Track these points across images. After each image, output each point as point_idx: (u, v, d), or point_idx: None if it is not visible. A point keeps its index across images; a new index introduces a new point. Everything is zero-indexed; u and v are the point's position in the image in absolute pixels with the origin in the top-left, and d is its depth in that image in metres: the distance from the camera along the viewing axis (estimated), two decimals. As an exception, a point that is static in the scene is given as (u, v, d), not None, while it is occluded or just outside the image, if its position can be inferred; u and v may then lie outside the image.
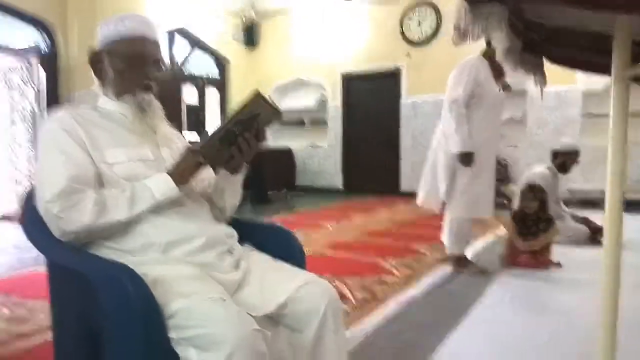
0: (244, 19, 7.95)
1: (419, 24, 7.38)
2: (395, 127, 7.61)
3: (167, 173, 1.32)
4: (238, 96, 8.42)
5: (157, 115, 1.45)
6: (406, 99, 7.53)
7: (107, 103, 1.42)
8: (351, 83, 7.99)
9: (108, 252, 1.25)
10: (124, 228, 1.25)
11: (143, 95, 1.40)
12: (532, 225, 3.44)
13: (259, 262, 1.41)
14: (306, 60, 8.31)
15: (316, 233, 4.73)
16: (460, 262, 3.35)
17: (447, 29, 7.14)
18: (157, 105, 1.44)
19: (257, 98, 1.31)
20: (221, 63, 8.47)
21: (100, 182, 1.28)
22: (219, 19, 8.05)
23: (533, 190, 3.53)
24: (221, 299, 1.14)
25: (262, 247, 1.51)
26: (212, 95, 8.38)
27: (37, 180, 1.26)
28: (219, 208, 1.51)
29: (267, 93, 8.73)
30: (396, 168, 7.65)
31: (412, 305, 2.70)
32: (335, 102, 8.14)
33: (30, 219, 1.23)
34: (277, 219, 5.57)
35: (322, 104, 8.29)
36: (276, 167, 7.29)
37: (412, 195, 7.22)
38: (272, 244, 1.55)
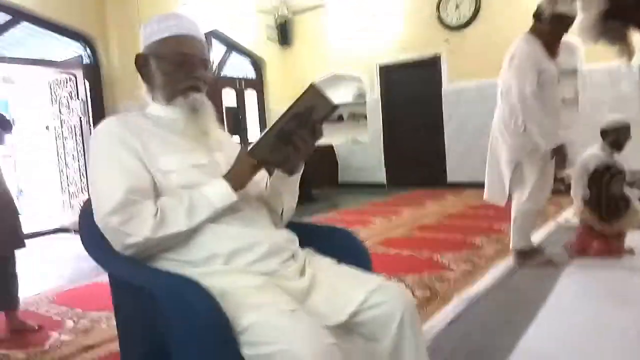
0: (277, 18, 7.89)
1: (457, 7, 7.11)
2: (438, 116, 7.37)
3: (223, 178, 1.25)
4: (276, 96, 8.38)
5: (209, 117, 1.38)
6: (448, 86, 7.28)
7: (157, 109, 1.36)
8: (389, 74, 7.80)
9: (170, 264, 1.19)
10: (184, 239, 1.19)
11: (194, 96, 1.33)
12: (612, 206, 3.19)
13: (325, 267, 1.32)
14: (342, 54, 8.17)
15: (364, 230, 4.62)
16: (526, 255, 3.15)
17: (487, 10, 6.85)
18: (209, 106, 1.37)
19: (313, 90, 1.21)
20: (257, 64, 8.46)
21: (156, 191, 1.22)
22: (252, 19, 8.03)
23: (609, 171, 3.31)
24: (292, 311, 1.06)
25: (323, 250, 1.42)
26: (250, 96, 8.37)
27: (92, 193, 1.21)
28: (276, 212, 1.43)
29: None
30: (442, 158, 7.40)
31: (478, 303, 2.56)
32: (374, 95, 7.98)
33: (89, 232, 1.19)
34: (322, 218, 5.49)
35: (360, 97, 8.15)
36: (318, 164, 7.21)
37: (459, 186, 7.10)
38: (334, 247, 1.46)
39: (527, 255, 3.15)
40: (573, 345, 2.00)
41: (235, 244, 1.20)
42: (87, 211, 1.23)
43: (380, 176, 7.92)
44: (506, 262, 3.23)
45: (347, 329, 1.19)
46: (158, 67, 1.31)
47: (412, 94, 7.58)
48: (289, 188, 1.41)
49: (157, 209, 1.17)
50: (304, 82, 8.52)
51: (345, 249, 1.46)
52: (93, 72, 6.05)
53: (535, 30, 2.94)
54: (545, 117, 2.85)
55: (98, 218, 1.17)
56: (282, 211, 1.43)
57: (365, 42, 7.88)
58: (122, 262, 1.13)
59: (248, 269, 1.18)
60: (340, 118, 8.32)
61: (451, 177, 7.34)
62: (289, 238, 1.32)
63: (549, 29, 2.87)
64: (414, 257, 3.50)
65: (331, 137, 8.19)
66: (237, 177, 1.25)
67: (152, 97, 1.37)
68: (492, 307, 2.51)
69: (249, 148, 1.24)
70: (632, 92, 6.02)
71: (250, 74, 8.45)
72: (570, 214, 4.55)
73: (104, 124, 1.27)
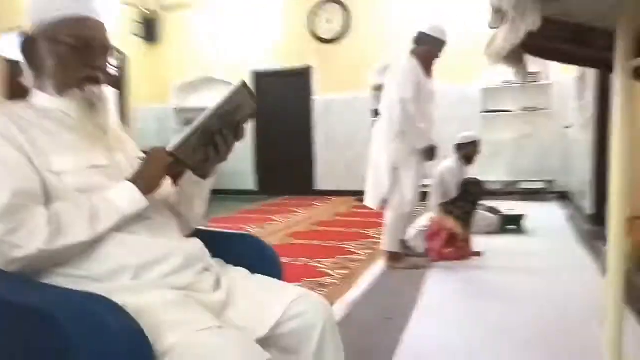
0: (143, 12, 7.39)
1: (327, 21, 7.41)
2: (308, 125, 7.58)
3: (130, 181, 1.12)
4: (138, 95, 7.83)
5: (108, 113, 1.22)
6: (318, 97, 7.54)
7: (45, 99, 1.16)
8: (261, 81, 7.81)
9: (64, 280, 1.02)
10: (83, 250, 1.03)
11: (92, 89, 1.17)
12: (466, 216, 3.59)
13: (239, 278, 1.26)
14: (213, 57, 7.97)
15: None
16: (394, 256, 3.40)
17: (356, 27, 7.24)
18: (108, 101, 1.22)
19: (243, 88, 1.15)
20: (119, 59, 7.83)
21: (46, 195, 1.05)
22: (115, 11, 7.41)
23: (474, 184, 3.72)
24: (219, 328, 0.98)
25: (231, 259, 1.36)
26: (108, 94, 7.69)
27: (-34, 197, 0.98)
28: (185, 218, 1.32)
29: (169, 91, 8.26)
30: (310, 167, 7.62)
31: (358, 306, 2.66)
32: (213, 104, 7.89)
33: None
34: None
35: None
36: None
37: (326, 194, 7.35)
38: (242, 255, 1.40)
39: (397, 257, 3.39)
40: (448, 342, 2.18)
41: (145, 255, 1.08)
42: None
43: (251, 183, 7.87)
44: (378, 266, 3.42)
45: (264, 343, 1.14)
46: (50, 51, 1.13)
47: (283, 102, 7.68)
48: (202, 193, 1.32)
49: (51, 215, 1.00)
50: (170, 82, 8.16)
51: (254, 257, 1.41)
52: None
53: (414, 53, 3.30)
54: (420, 123, 3.20)
55: (-27, 227, 0.96)
56: (192, 217, 1.32)
57: (239, 47, 7.79)
58: (9, 281, 0.94)
59: (160, 283, 1.07)
60: (210, 122, 8.07)
61: (319, 185, 7.58)
62: (202, 248, 1.23)
63: (426, 52, 3.26)
64: (291, 264, 3.52)
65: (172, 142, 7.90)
66: (148, 180, 1.13)
67: (38, 85, 1.18)
68: (371, 309, 2.63)
69: (170, 146, 1.12)
70: (475, 111, 6.84)
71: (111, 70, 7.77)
72: (426, 221, 5.00)
73: None
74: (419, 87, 3.20)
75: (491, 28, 1.09)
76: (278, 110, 7.76)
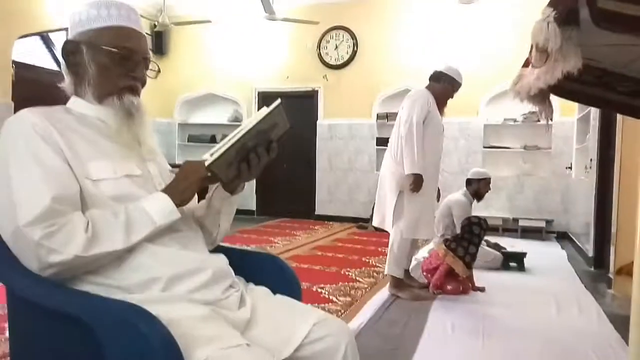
0: (155, 25, 7.47)
1: (336, 47, 7.52)
2: (311, 148, 7.60)
3: (164, 192, 1.12)
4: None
5: (145, 123, 1.22)
6: (322, 121, 7.59)
7: (83, 106, 1.17)
8: (267, 101, 7.83)
9: (96, 288, 1.00)
10: (115, 259, 1.02)
11: (131, 99, 1.18)
12: (469, 257, 3.51)
13: (261, 297, 1.25)
14: (220, 74, 8.03)
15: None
16: (399, 283, 3.38)
17: (363, 55, 7.35)
18: (145, 111, 1.22)
19: (279, 108, 1.16)
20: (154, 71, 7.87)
21: (82, 200, 1.04)
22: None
23: (479, 224, 3.60)
24: (248, 345, 0.96)
25: (251, 277, 1.35)
26: (145, 106, 7.72)
27: (5, 199, 0.98)
28: (210, 233, 1.32)
29: (175, 106, 8.29)
30: (312, 191, 7.61)
31: (363, 335, 2.63)
32: (250, 120, 7.94)
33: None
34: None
35: (236, 120, 8.05)
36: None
37: (326, 219, 7.33)
38: (262, 274, 1.39)
39: (400, 284, 3.37)
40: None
41: (176, 268, 1.06)
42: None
43: (251, 203, 7.84)
44: (381, 295, 3.38)
45: (287, 364, 1.12)
46: (93, 58, 1.14)
47: (289, 122, 7.68)
48: (229, 208, 1.31)
49: (88, 222, 0.99)
50: (175, 96, 8.20)
51: (273, 276, 1.40)
52: None
53: (429, 88, 3.41)
54: (421, 150, 3.21)
55: (11, 229, 0.95)
56: (217, 233, 1.32)
57: (246, 66, 7.86)
58: (45, 285, 0.92)
59: (189, 296, 1.06)
60: (213, 139, 8.09)
61: (320, 209, 7.56)
62: (228, 264, 1.22)
63: (441, 89, 3.38)
64: (294, 286, 3.48)
65: (200, 158, 7.91)
66: (181, 192, 1.13)
67: (77, 92, 1.18)
68: (376, 339, 2.59)
69: (206, 159, 1.12)
70: (477, 146, 6.91)
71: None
72: (426, 252, 4.99)
73: (20, 116, 1.05)
74: (429, 115, 3.27)
75: (533, 67, 1.11)
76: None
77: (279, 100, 1.18)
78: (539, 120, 6.56)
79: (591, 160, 4.92)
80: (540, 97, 1.33)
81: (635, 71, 1.19)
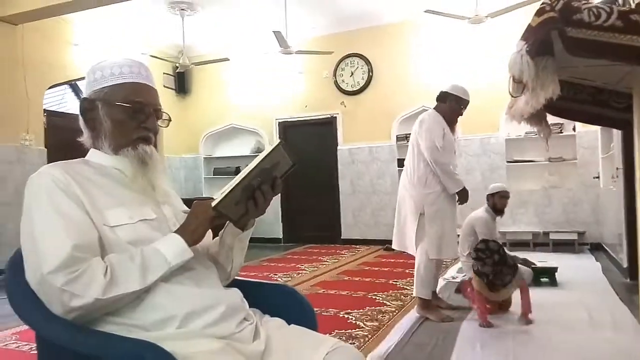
0: (176, 66, 7.77)
1: (352, 74, 7.64)
2: (333, 174, 7.68)
3: (177, 233, 1.18)
4: (169, 145, 8.07)
5: (158, 170, 1.31)
6: (343, 146, 7.67)
7: (101, 157, 1.26)
8: (288, 130, 8.02)
9: (116, 328, 1.07)
10: (133, 299, 1.09)
11: (144, 148, 1.26)
12: (497, 278, 3.21)
13: (276, 328, 1.29)
14: (241, 107, 8.25)
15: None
16: (427, 305, 3.36)
17: (378, 81, 7.45)
18: (158, 158, 1.31)
19: (281, 147, 1.23)
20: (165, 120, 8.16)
21: (101, 247, 1.12)
22: (148, 65, 7.80)
23: (488, 247, 3.25)
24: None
25: (267, 308, 1.39)
26: (157, 154, 7.98)
27: (29, 249, 1.06)
28: (224, 269, 1.37)
29: (199, 141, 8.52)
30: (336, 216, 7.66)
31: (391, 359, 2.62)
32: (253, 160, 8.07)
33: (21, 292, 1.03)
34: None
35: (259, 151, 8.20)
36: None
37: (352, 243, 7.34)
38: (276, 305, 1.43)
39: (428, 305, 3.35)
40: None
41: (191, 305, 1.12)
42: (16, 268, 1.07)
43: (277, 231, 7.92)
44: (409, 318, 3.36)
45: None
46: (108, 114, 1.23)
47: (309, 151, 7.81)
48: (241, 244, 1.37)
49: (107, 266, 1.07)
50: (199, 131, 8.44)
51: (289, 307, 1.44)
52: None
53: (437, 109, 3.47)
54: (453, 167, 3.34)
55: (37, 277, 1.02)
56: (231, 268, 1.37)
57: (265, 97, 8.07)
58: (66, 328, 0.99)
59: (205, 332, 1.11)
60: (237, 171, 8.25)
61: (345, 233, 7.58)
62: (242, 298, 1.27)
63: (448, 108, 3.43)
64: (321, 315, 3.50)
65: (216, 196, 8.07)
66: (192, 232, 1.19)
67: (95, 144, 1.28)
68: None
69: (213, 201, 1.19)
70: (499, 161, 6.85)
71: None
72: (455, 271, 4.93)
73: (44, 171, 1.14)
74: (444, 137, 3.33)
75: (512, 97, 1.15)
76: (304, 159, 7.81)
77: (279, 140, 1.24)
78: (561, 132, 6.49)
79: (617, 169, 4.82)
80: (537, 119, 1.36)
81: (627, 87, 1.21)
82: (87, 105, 1.25)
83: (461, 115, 3.49)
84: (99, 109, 1.24)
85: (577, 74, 1.14)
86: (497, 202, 4.48)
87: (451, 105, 3.43)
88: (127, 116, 1.24)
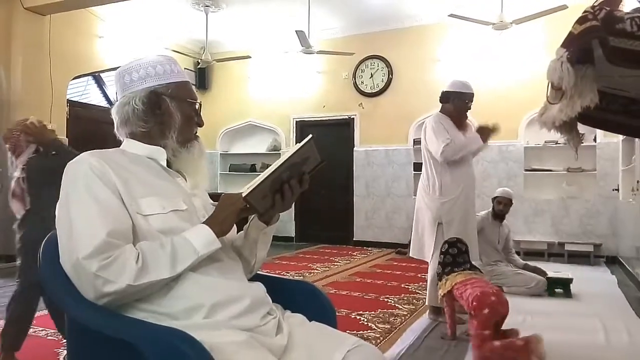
0: (198, 62, 7.84)
1: (371, 76, 7.64)
2: (348, 175, 7.69)
3: (206, 224, 1.20)
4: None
5: (195, 163, 1.34)
6: (359, 148, 7.67)
7: (137, 147, 1.28)
8: (305, 130, 8.04)
9: (144, 315, 1.09)
10: (161, 288, 1.11)
11: (200, 141, 1.35)
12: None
13: (297, 323, 1.30)
14: (259, 105, 8.30)
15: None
16: (439, 311, 3.35)
17: (397, 83, 7.43)
18: (202, 152, 1.36)
19: (310, 142, 1.24)
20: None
21: (134, 234, 1.14)
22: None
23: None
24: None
25: (287, 304, 1.40)
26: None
27: (65, 233, 1.09)
28: (248, 262, 1.39)
29: (217, 137, 8.59)
30: (349, 217, 7.66)
31: (402, 362, 2.62)
32: (288, 149, 8.12)
33: (57, 277, 1.06)
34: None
35: (275, 150, 8.24)
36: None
37: (365, 245, 7.34)
38: (297, 301, 1.44)
39: (441, 310, 3.34)
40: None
41: (218, 295, 1.14)
42: (51, 253, 1.10)
43: (290, 229, 7.95)
44: (421, 322, 3.36)
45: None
46: (179, 108, 1.28)
47: (325, 151, 7.66)
48: (265, 238, 1.39)
49: (138, 253, 1.09)
50: (217, 127, 8.50)
51: (309, 304, 1.45)
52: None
53: (443, 111, 3.45)
54: (450, 175, 3.33)
55: (71, 261, 1.05)
56: (255, 262, 1.39)
57: (284, 95, 8.10)
58: (100, 313, 1.02)
59: (230, 323, 1.13)
60: (253, 168, 8.30)
61: (357, 235, 7.58)
62: (265, 292, 1.29)
63: (452, 107, 3.40)
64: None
65: (240, 187, 8.11)
66: (221, 223, 1.21)
67: (159, 137, 1.28)
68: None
69: (243, 192, 1.21)
70: (517, 169, 6.79)
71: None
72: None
73: (82, 159, 1.17)
74: (453, 139, 3.30)
75: (550, 103, 1.15)
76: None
77: (310, 135, 1.26)
78: (581, 142, 6.41)
79: (638, 182, 4.76)
80: (568, 127, 1.36)
81: (661, 99, 1.21)
82: (155, 98, 1.27)
83: (469, 109, 3.44)
84: (168, 103, 1.27)
85: (611, 84, 1.14)
86: (495, 207, 4.49)
87: (455, 103, 3.39)
88: (193, 112, 1.32)
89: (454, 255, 2.98)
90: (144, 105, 1.26)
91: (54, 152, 2.62)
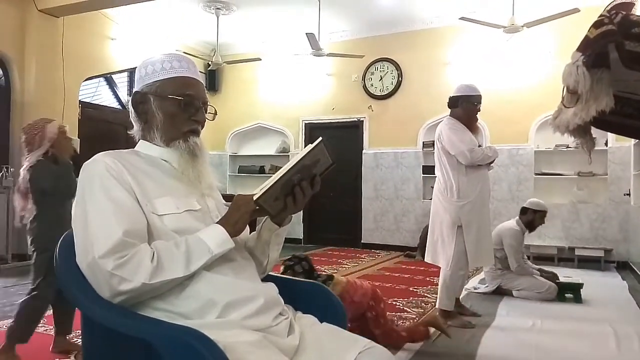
0: (208, 64, 7.89)
1: (381, 79, 7.64)
2: (357, 177, 7.68)
3: (219, 224, 1.21)
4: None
5: (206, 162, 1.34)
6: (368, 150, 7.67)
7: (151, 149, 1.30)
8: (314, 132, 8.05)
9: (158, 314, 1.10)
10: (175, 287, 1.12)
11: (195, 140, 1.30)
12: None
13: (309, 325, 1.31)
14: (269, 107, 8.32)
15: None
16: (448, 315, 3.36)
17: (407, 86, 7.43)
18: (206, 151, 1.35)
19: (321, 145, 1.25)
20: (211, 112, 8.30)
21: (149, 234, 1.16)
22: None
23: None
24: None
25: (298, 305, 1.41)
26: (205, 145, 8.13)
27: (82, 233, 1.11)
28: (260, 262, 1.40)
29: (226, 139, 8.62)
30: (358, 219, 7.65)
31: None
32: (297, 151, 8.15)
33: (72, 275, 1.07)
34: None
35: (284, 152, 8.26)
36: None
37: (372, 247, 7.32)
38: (310, 302, 1.45)
39: (450, 314, 3.35)
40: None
41: (231, 295, 1.15)
42: (67, 251, 1.11)
43: (298, 231, 7.96)
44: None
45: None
46: (160, 107, 1.27)
47: (334, 153, 7.75)
48: (278, 239, 1.40)
49: (153, 252, 1.10)
50: (227, 129, 8.54)
51: (321, 305, 1.46)
52: (2, 93, 5.59)
53: (453, 115, 3.46)
54: (466, 177, 3.34)
55: (87, 260, 1.07)
56: (267, 262, 1.40)
57: (293, 97, 8.12)
58: (115, 311, 1.03)
59: (243, 323, 1.14)
60: (262, 170, 8.33)
61: (365, 238, 7.57)
62: (278, 292, 1.30)
63: (461, 111, 3.41)
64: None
65: (249, 189, 8.14)
66: (234, 223, 1.22)
67: (146, 137, 1.32)
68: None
69: (255, 194, 1.22)
70: (528, 172, 6.75)
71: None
72: (477, 282, 4.88)
73: (98, 159, 1.19)
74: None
75: (566, 107, 1.15)
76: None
77: (320, 138, 1.26)
78: (595, 146, 6.36)
79: (650, 186, 4.72)
80: (581, 131, 1.36)
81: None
82: (140, 99, 1.29)
83: (479, 111, 3.45)
84: (151, 102, 1.28)
85: (626, 88, 1.13)
86: (537, 220, 4.37)
87: (464, 107, 3.39)
88: (178, 109, 1.27)
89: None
90: (133, 107, 1.29)
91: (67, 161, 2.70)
